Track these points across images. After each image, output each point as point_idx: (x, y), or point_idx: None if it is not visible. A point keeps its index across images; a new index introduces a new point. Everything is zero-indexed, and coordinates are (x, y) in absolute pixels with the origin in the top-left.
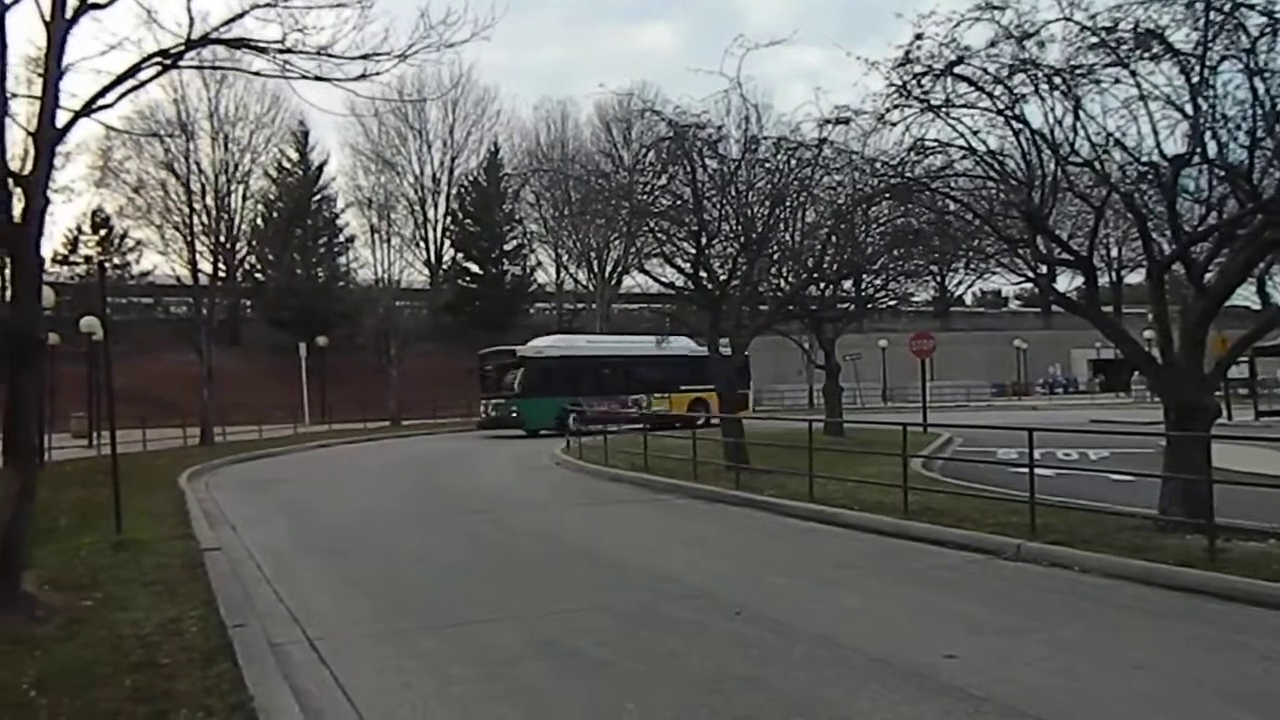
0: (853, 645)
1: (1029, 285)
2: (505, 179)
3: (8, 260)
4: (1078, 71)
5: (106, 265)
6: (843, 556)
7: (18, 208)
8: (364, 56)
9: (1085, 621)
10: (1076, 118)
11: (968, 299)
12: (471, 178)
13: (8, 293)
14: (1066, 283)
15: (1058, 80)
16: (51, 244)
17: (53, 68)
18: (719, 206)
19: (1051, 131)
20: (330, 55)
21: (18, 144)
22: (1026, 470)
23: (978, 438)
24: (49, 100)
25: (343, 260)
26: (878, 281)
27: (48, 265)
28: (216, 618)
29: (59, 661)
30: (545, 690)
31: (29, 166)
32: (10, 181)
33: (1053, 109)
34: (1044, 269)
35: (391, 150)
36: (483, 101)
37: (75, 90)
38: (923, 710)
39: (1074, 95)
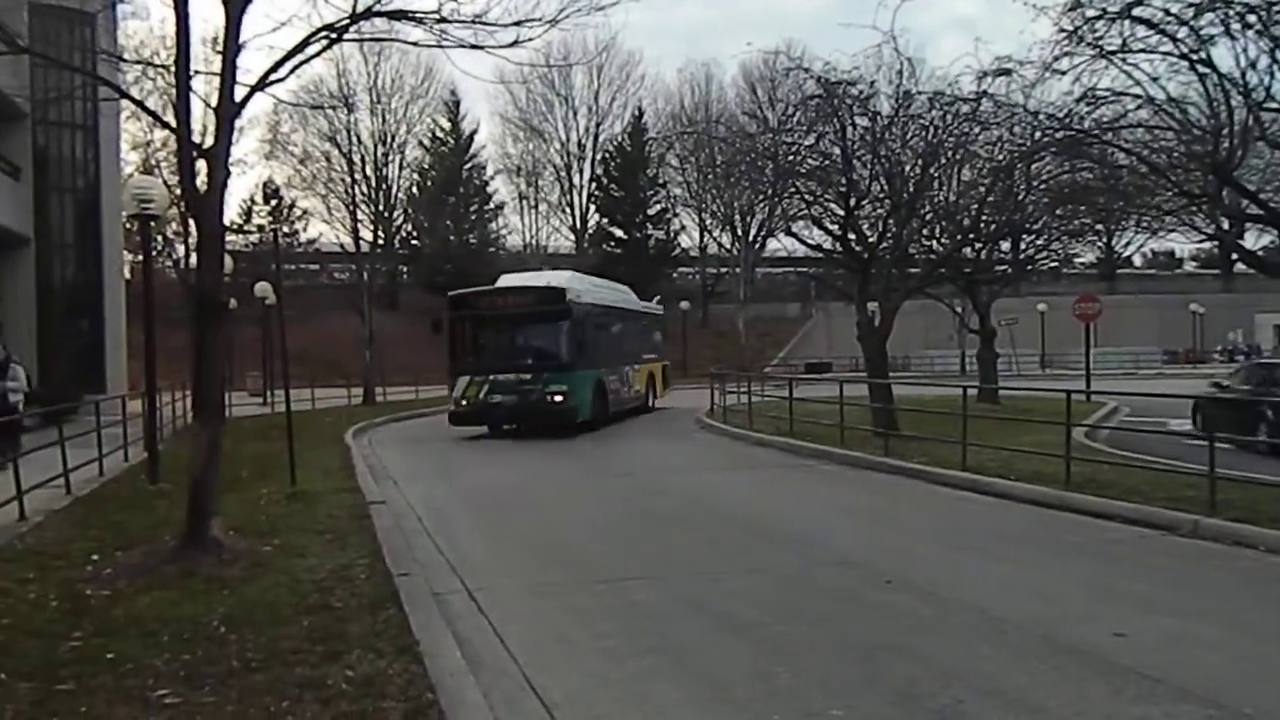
0: (1011, 618)
1: (1208, 244)
2: (649, 143)
3: (194, 229)
4: (1275, 8)
5: (278, 234)
6: (998, 527)
7: (201, 179)
8: (516, 23)
9: (1272, 604)
10: (1274, 59)
11: (1137, 260)
12: (616, 143)
13: (193, 259)
14: (1253, 240)
15: (1252, 19)
16: (228, 214)
17: (231, 45)
18: (869, 166)
19: (1243, 75)
20: (484, 23)
21: (198, 119)
22: (1204, 442)
23: (1147, 407)
24: (228, 76)
25: (492, 226)
26: (1038, 242)
27: (226, 234)
28: (383, 566)
29: (245, 601)
30: (695, 648)
31: (209, 140)
32: (194, 154)
33: (1245, 50)
34: (1229, 225)
35: (539, 117)
36: (627, 66)
37: (248, 67)
38: (1089, 688)
39: (1270, 34)
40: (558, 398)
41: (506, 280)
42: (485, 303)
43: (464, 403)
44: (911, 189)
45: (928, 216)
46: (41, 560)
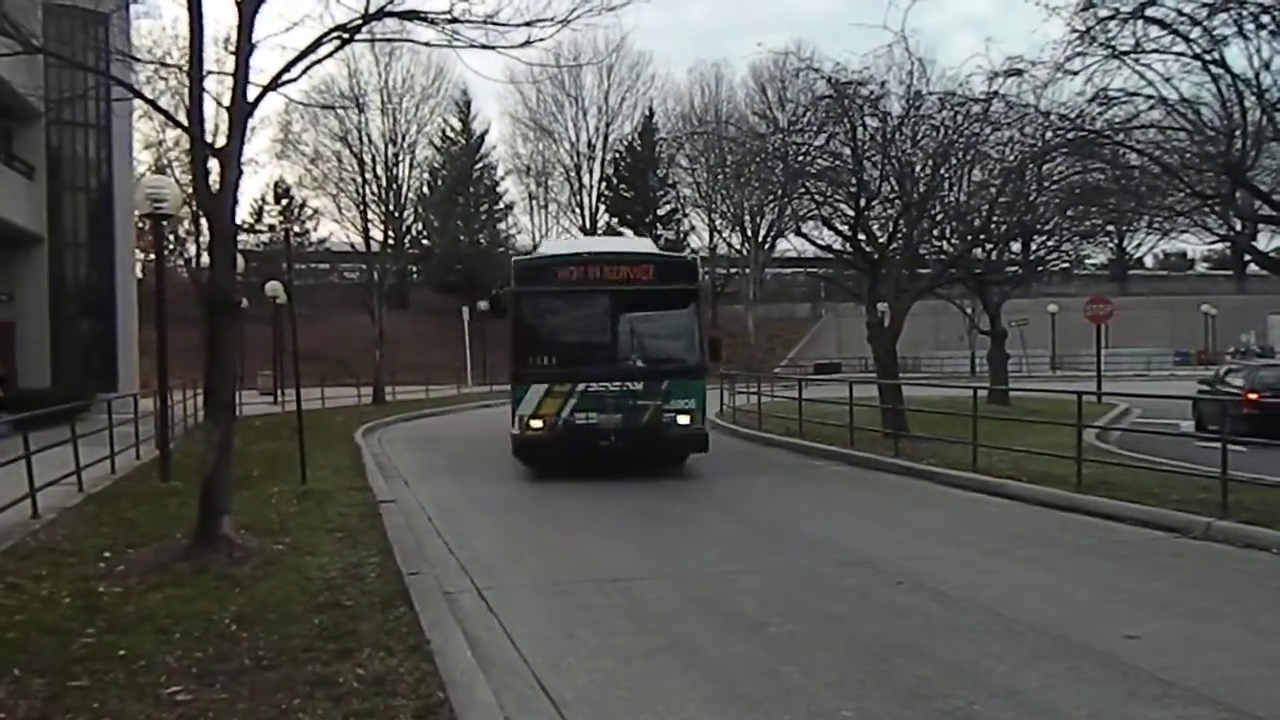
0: (1023, 620)
1: (1220, 246)
2: (659, 144)
3: (206, 228)
4: None
5: (289, 233)
6: (1009, 529)
7: (213, 179)
8: (528, 23)
9: None
10: None
11: (1148, 261)
12: (626, 143)
13: (204, 259)
14: (1266, 241)
15: (1266, 19)
16: (239, 213)
17: (244, 45)
18: (879, 166)
19: (1257, 75)
20: (495, 24)
21: (210, 119)
22: (1217, 444)
23: (1159, 409)
24: (241, 75)
25: (502, 226)
26: (1049, 243)
27: (238, 233)
28: (393, 565)
29: (256, 599)
30: (705, 647)
31: (222, 140)
32: (207, 153)
33: (1259, 50)
34: (1242, 226)
35: (549, 118)
36: (637, 66)
37: (261, 66)
38: (1102, 690)
39: None
40: (683, 418)
41: (559, 246)
42: (577, 275)
43: (536, 424)
44: (922, 189)
45: (938, 217)
46: (54, 557)
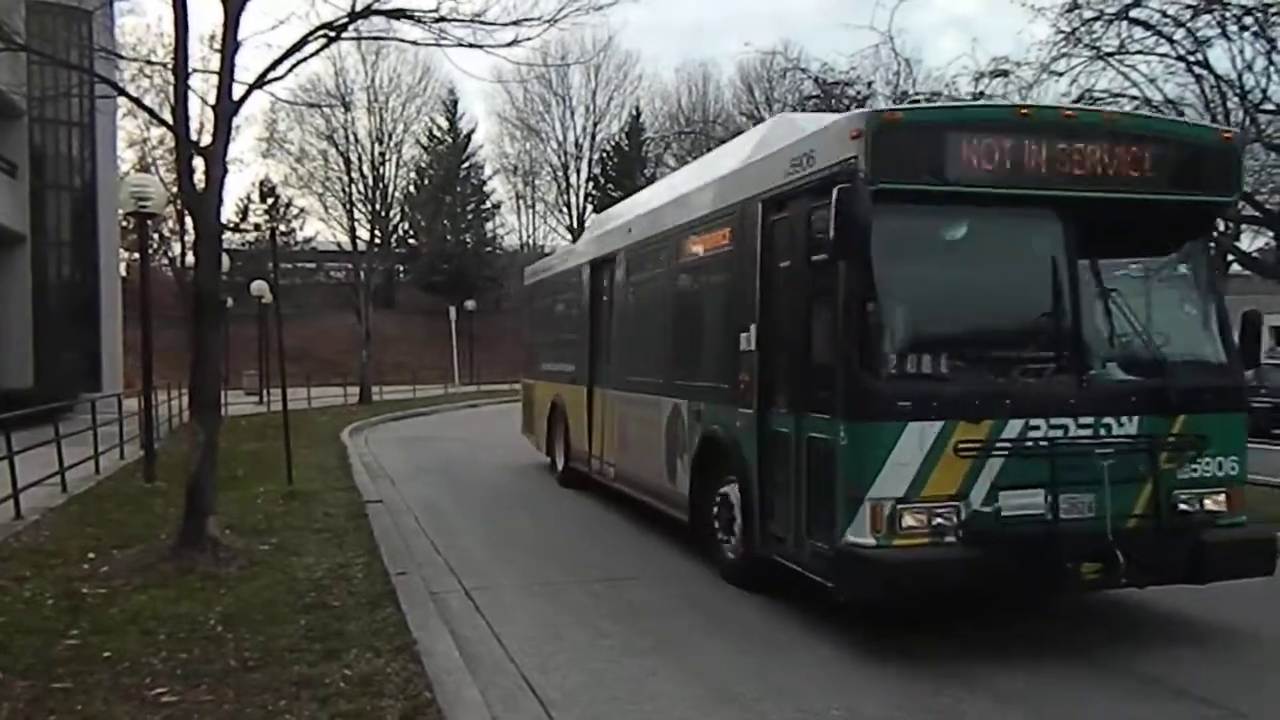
0: (1009, 618)
1: None
2: (647, 143)
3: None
4: (1273, 10)
5: (275, 232)
6: None
7: (198, 177)
8: (515, 22)
9: (1272, 604)
10: (1270, 61)
11: None
12: (613, 142)
13: (189, 258)
14: (1249, 242)
15: (1249, 20)
16: (225, 212)
17: (229, 43)
18: None
19: (1240, 76)
20: (482, 23)
21: (195, 117)
22: None
23: None
24: (226, 74)
25: (490, 226)
26: None
27: (224, 232)
28: (380, 565)
29: (242, 600)
30: (695, 646)
31: (207, 138)
32: (192, 152)
33: (1242, 52)
34: (1225, 227)
35: (536, 117)
36: (625, 65)
37: (246, 64)
38: (1089, 688)
39: (1268, 36)
40: (1215, 500)
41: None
42: (1008, 159)
43: (915, 524)
44: None
45: None
46: (38, 558)
